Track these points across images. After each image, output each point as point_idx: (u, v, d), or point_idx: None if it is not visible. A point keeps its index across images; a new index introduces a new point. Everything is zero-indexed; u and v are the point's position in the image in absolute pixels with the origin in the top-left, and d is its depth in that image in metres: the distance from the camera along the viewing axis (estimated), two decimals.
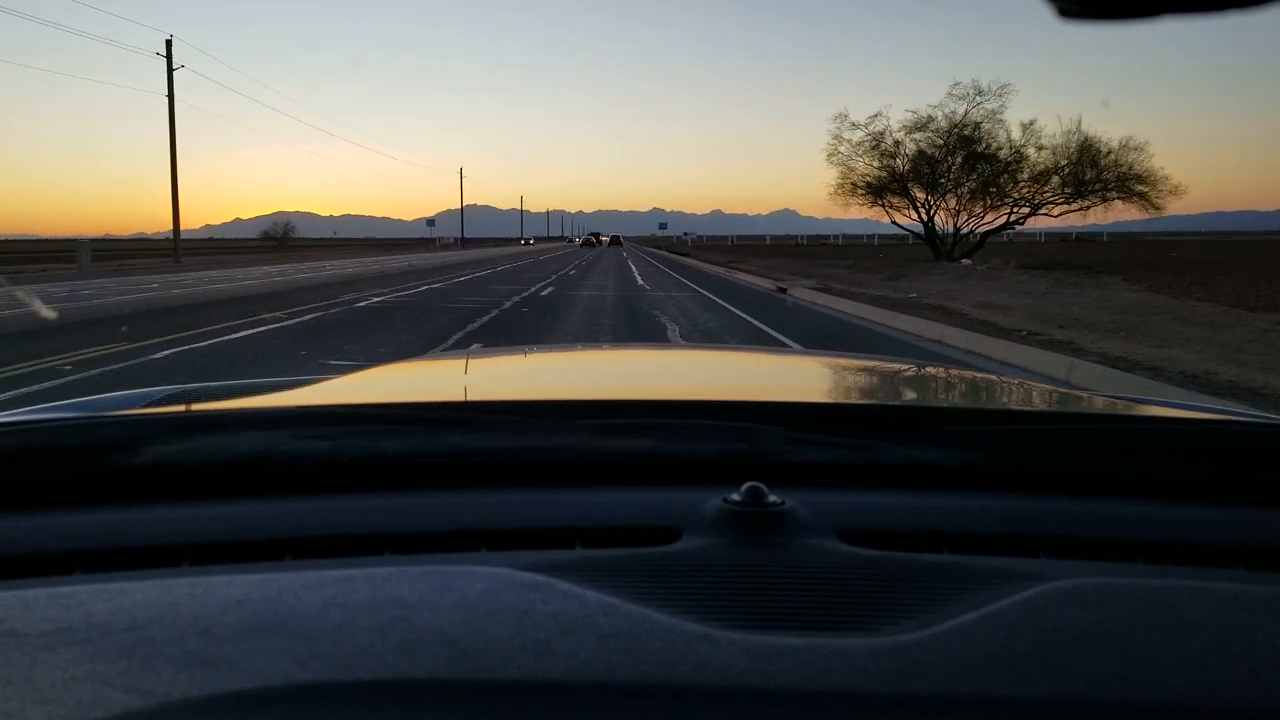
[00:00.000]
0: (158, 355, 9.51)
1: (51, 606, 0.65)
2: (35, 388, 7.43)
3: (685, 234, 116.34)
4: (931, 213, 35.16)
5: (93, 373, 8.25)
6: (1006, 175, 33.70)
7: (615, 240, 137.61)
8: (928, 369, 2.55)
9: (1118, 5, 0.54)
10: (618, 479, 0.96)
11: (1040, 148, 33.46)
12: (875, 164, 35.67)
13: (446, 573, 0.70)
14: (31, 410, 1.26)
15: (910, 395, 1.72)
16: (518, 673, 0.56)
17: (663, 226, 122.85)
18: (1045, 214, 34.61)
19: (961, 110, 33.50)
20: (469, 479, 0.95)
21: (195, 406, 1.34)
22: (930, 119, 34.11)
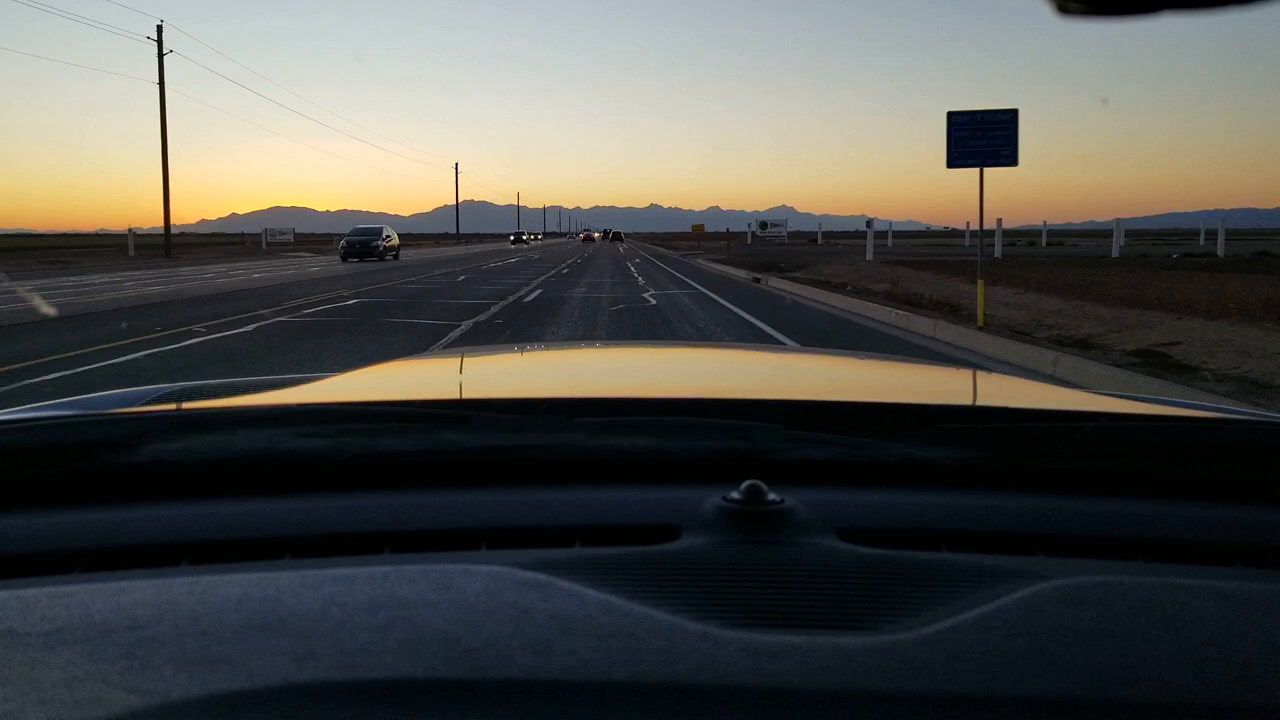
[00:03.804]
0: None
1: (51, 606, 0.65)
2: None
3: (773, 225, 68.45)
4: None
5: None
6: None
7: (617, 236, 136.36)
8: (927, 366, 2.55)
9: (1117, 2, 0.53)
10: (617, 477, 0.95)
11: None
12: None
13: (446, 571, 0.70)
14: (28, 408, 1.26)
15: (909, 393, 1.72)
16: (517, 671, 0.56)
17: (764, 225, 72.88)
18: None
19: None
20: (468, 477, 0.95)
21: (193, 404, 1.34)
22: None
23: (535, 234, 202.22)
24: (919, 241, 74.53)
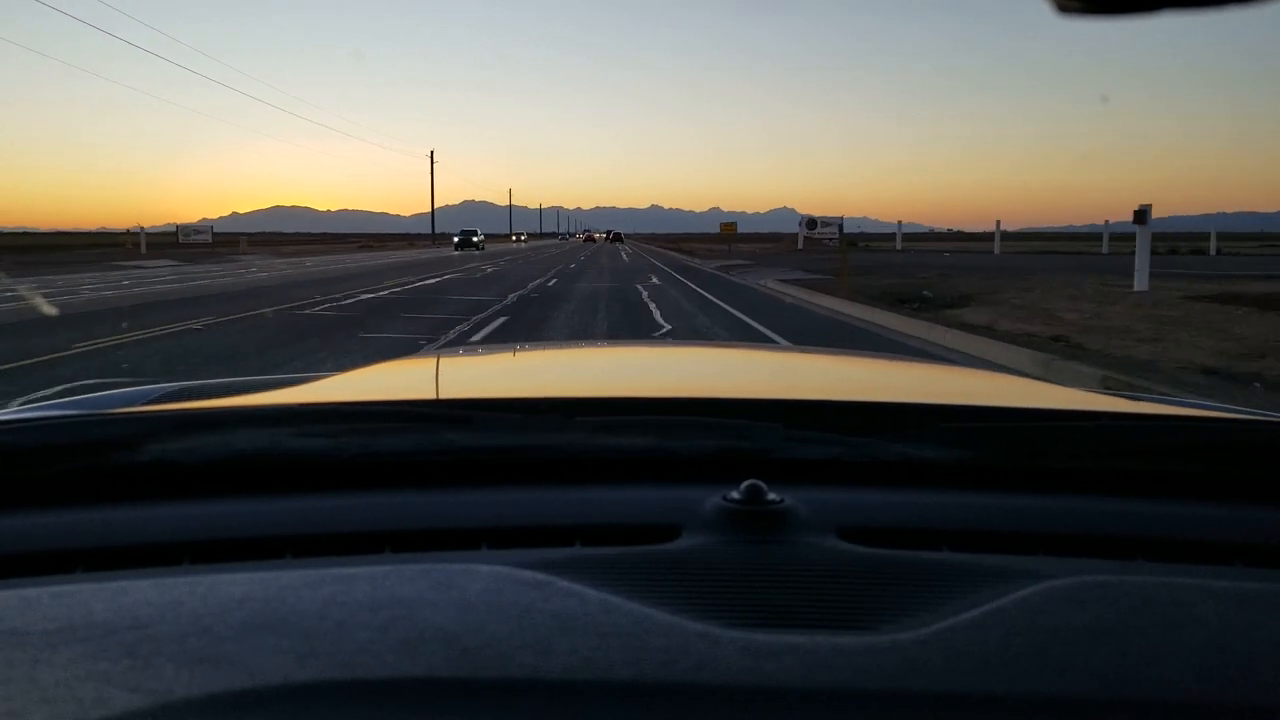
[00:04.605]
0: None
1: (53, 605, 0.65)
2: None
3: (823, 224, 50.97)
4: None
5: None
6: None
7: (617, 237, 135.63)
8: (927, 365, 2.55)
9: (1118, 1, 0.53)
10: (617, 477, 0.96)
11: None
12: None
13: (446, 570, 0.70)
14: (30, 408, 1.27)
15: (910, 392, 1.72)
16: (518, 671, 0.56)
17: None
18: None
19: None
20: (469, 477, 0.95)
21: (195, 404, 1.33)
22: None
23: (519, 235, 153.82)
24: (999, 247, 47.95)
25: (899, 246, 53.12)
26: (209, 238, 57.13)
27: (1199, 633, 0.62)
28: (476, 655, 0.57)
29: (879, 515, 0.86)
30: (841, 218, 54.29)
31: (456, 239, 64.64)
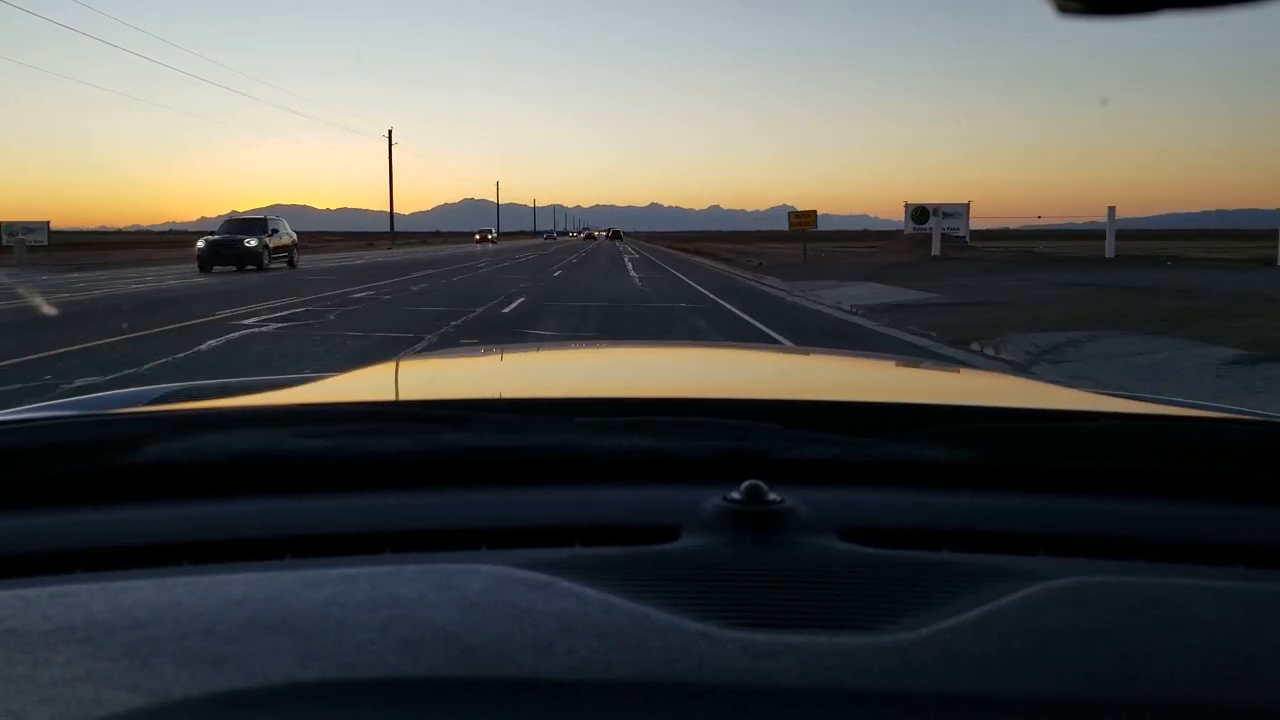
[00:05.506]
0: None
1: (52, 605, 0.65)
2: None
3: (945, 211, 31.87)
4: None
5: None
6: None
7: (616, 235, 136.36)
8: (928, 366, 2.56)
9: (1117, 2, 0.53)
10: (617, 477, 0.95)
11: None
12: None
13: (446, 571, 0.71)
14: (29, 408, 1.27)
15: (910, 392, 1.72)
16: (518, 671, 0.56)
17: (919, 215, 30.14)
18: None
19: None
20: (468, 477, 0.95)
21: (195, 405, 1.34)
22: None
23: (487, 232, 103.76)
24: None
25: (1110, 253, 30.22)
26: (44, 238, 41.48)
27: (1199, 633, 0.62)
28: (477, 655, 0.57)
29: (879, 515, 0.86)
30: (968, 203, 35.22)
31: (202, 244, 28.20)
